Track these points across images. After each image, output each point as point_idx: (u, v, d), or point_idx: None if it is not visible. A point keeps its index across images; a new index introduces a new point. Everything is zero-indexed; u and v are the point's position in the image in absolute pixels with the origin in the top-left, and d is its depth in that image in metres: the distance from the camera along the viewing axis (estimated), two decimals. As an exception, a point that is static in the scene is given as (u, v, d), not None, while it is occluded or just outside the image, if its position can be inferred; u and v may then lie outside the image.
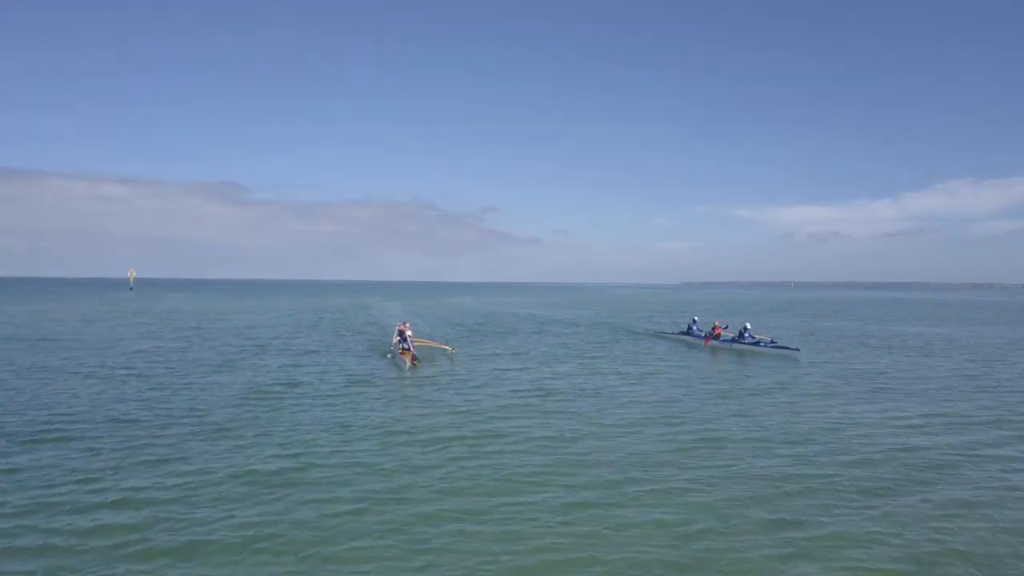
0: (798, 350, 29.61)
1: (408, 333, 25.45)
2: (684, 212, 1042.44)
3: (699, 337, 34.73)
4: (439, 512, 9.05)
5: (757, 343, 31.15)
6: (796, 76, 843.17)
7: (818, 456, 12.27)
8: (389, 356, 25.30)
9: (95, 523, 8.49)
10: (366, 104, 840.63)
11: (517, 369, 23.61)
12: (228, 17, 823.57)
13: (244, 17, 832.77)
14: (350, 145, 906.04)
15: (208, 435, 13.05)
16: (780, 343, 31.15)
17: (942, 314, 72.32)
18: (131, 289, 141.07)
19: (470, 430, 13.84)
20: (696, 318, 38.81)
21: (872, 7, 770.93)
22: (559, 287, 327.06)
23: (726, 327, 33.60)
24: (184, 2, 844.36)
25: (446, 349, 27.77)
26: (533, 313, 65.63)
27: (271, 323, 46.00)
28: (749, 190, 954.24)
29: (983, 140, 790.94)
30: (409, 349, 24.26)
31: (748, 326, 32.57)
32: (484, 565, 7.53)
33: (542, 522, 8.78)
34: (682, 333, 37.06)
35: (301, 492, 9.73)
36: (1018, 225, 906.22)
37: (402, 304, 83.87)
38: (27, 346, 28.55)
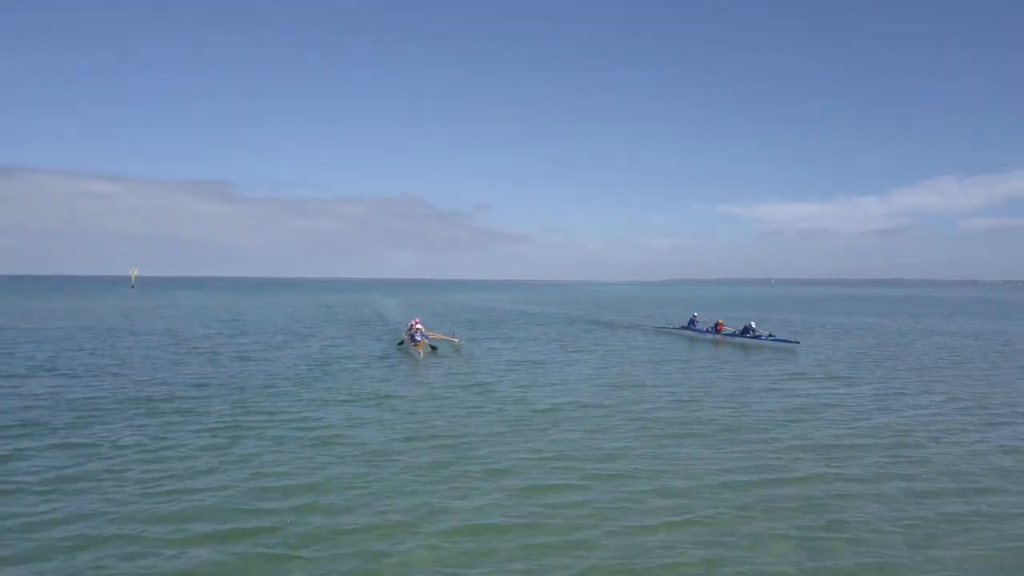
0: (798, 343, 31.38)
1: (419, 327, 29.04)
2: (676, 209, 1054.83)
3: (701, 332, 37.22)
4: (452, 438, 15.73)
5: (758, 336, 33.04)
6: (787, 76, 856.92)
7: (709, 405, 19.08)
8: (402, 346, 28.83)
9: (244, 446, 15.06)
10: (357, 104, 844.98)
11: (508, 349, 30.32)
12: (222, 17, 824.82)
13: (238, 17, 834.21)
14: (341, 143, 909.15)
15: (301, 384, 19.65)
16: (780, 337, 33.09)
17: (900, 309, 79.74)
18: (132, 287, 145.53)
19: (472, 390, 20.49)
20: (696, 313, 40.99)
21: (862, 7, 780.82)
22: (549, 284, 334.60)
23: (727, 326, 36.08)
24: (179, 1, 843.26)
25: (453, 341, 30.68)
26: (523, 309, 72.52)
27: (294, 316, 52.49)
28: (738, 187, 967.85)
29: (969, 137, 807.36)
30: (420, 341, 27.71)
31: (753, 324, 34.38)
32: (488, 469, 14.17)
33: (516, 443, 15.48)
34: (683, 328, 39.45)
35: (370, 424, 16.36)
36: (1001, 222, 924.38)
37: (399, 301, 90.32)
38: (102, 336, 34.82)
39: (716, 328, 36.08)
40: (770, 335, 33.31)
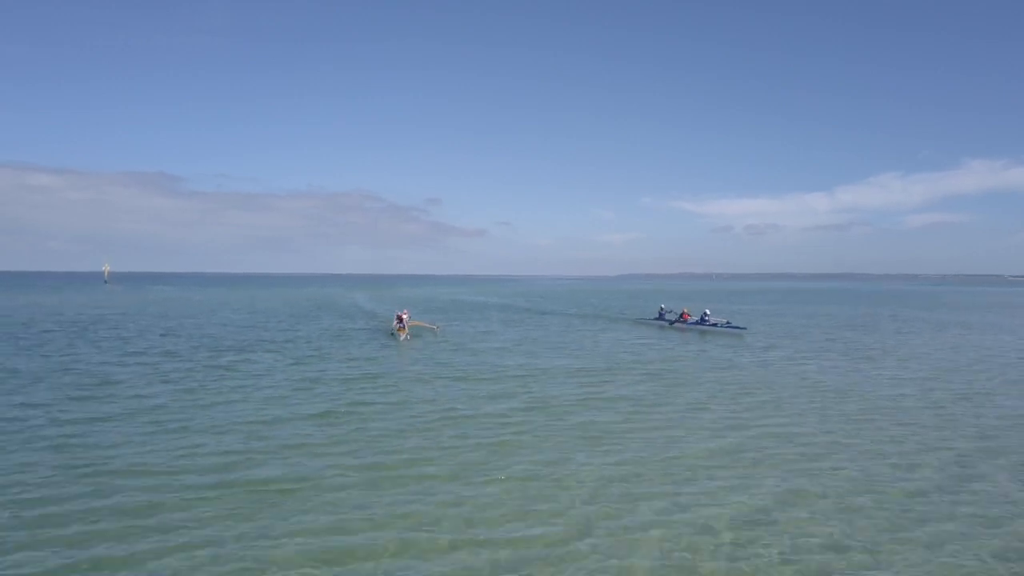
0: (745, 328, 35.84)
1: (405, 317, 35.19)
2: (627, 205, 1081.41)
3: (670, 321, 42.26)
4: (431, 399, 27.38)
5: (714, 324, 37.83)
6: (737, 72, 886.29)
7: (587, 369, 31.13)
8: (391, 334, 34.45)
9: (284, 387, 26.35)
10: (313, 100, 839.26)
11: (472, 330, 42.00)
12: (170, 11, 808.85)
13: (187, 12, 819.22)
14: (290, 137, 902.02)
15: (334, 340, 30.92)
16: (732, 324, 37.70)
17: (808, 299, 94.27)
18: (106, 283, 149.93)
19: (444, 360, 32.13)
20: (664, 305, 46.59)
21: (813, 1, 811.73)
22: (503, 279, 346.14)
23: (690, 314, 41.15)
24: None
25: (433, 328, 37.68)
26: (483, 300, 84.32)
27: (291, 306, 62.97)
28: (691, 183, 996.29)
29: (912, 135, 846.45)
30: (405, 327, 33.97)
31: (707, 311, 39.84)
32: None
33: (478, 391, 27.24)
34: (655, 319, 44.49)
35: (375, 363, 27.87)
36: (941, 218, 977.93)
37: (368, 295, 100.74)
38: (160, 321, 44.90)
39: (682, 317, 41.09)
40: (727, 323, 38.32)
